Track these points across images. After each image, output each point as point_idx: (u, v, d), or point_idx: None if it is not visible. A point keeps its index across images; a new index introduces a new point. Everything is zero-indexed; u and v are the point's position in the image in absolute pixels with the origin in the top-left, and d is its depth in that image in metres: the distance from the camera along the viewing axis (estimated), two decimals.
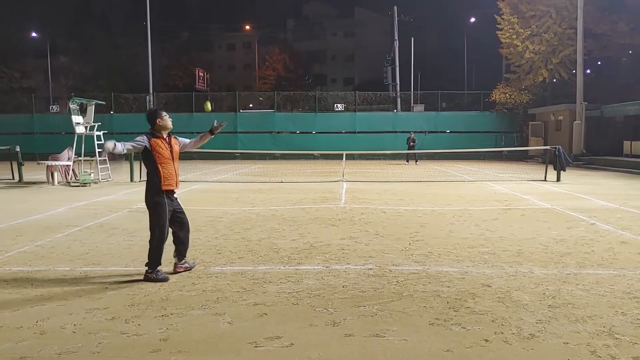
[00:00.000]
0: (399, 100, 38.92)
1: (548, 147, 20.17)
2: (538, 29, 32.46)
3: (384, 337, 4.37)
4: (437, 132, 35.94)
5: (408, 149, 27.93)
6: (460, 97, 41.29)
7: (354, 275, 6.22)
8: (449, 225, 9.69)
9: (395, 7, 40.27)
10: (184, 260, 6.42)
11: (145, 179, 6.24)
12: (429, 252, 7.46)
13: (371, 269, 6.53)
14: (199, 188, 16.55)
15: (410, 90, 42.74)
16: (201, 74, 49.53)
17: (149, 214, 6.18)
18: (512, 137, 35.66)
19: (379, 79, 46.01)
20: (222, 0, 76.22)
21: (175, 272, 6.31)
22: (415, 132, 31.07)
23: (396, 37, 40.26)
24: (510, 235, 8.69)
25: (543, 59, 32.90)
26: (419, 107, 37.71)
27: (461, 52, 55.88)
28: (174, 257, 6.39)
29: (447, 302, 5.24)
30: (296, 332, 4.51)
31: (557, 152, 18.52)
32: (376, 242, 8.17)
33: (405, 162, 27.85)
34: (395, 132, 35.67)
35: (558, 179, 18.10)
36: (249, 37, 69.36)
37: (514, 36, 33.38)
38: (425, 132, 35.56)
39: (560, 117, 31.76)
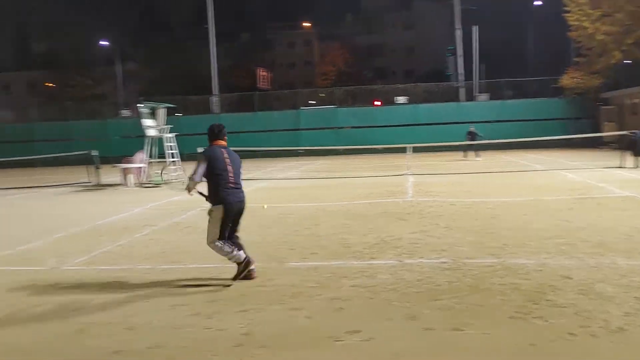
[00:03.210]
0: (462, 90, 38.15)
1: (625, 133, 19.28)
2: (609, 9, 30.98)
3: (464, 330, 4.33)
4: (503, 121, 34.96)
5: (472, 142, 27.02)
6: (526, 84, 40.00)
7: (428, 269, 6.18)
8: (522, 216, 9.45)
9: None
10: None
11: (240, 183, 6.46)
12: (503, 244, 7.30)
13: (445, 262, 6.47)
14: (265, 186, 16.82)
15: (474, 80, 41.82)
16: (263, 73, 50.21)
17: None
18: (583, 124, 34.26)
19: (440, 70, 45.33)
20: (281, 0, 76.94)
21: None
22: (474, 122, 30.01)
23: (457, 27, 39.44)
24: (588, 225, 8.38)
25: (615, 40, 31.35)
26: (483, 97, 36.81)
27: (526, 38, 54.11)
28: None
29: (527, 295, 5.13)
30: (375, 326, 4.53)
31: (634, 137, 17.68)
32: (447, 235, 8.08)
33: (462, 156, 26.93)
34: (460, 123, 34.94)
35: (637, 166, 17.28)
36: (309, 34, 69.69)
37: (583, 18, 31.97)
38: (491, 121, 34.68)
39: (636, 100, 30.26)
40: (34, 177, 24.43)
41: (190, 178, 6.10)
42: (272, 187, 16.34)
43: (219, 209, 6.04)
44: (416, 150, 27.92)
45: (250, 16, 71.99)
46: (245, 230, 9.02)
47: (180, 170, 19.13)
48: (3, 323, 4.98)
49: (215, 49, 39.14)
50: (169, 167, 18.41)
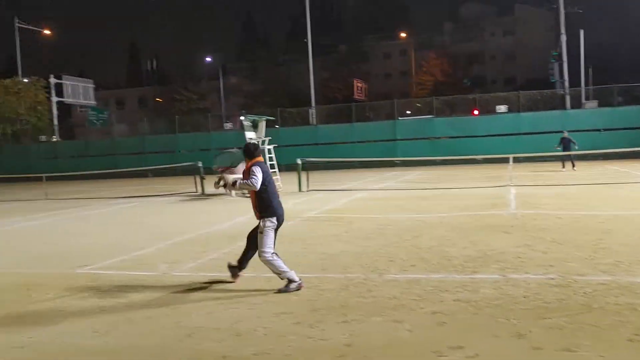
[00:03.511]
0: (568, 97, 36.35)
1: None
2: None
3: (577, 352, 4.13)
4: (613, 129, 32.91)
5: (562, 151, 25.16)
6: (639, 89, 37.46)
7: (534, 285, 5.94)
8: (638, 231, 8.85)
9: (561, 0, 37.76)
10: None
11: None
12: (618, 261, 6.88)
13: (553, 278, 6.19)
14: (363, 196, 16.86)
15: (581, 86, 39.72)
16: (359, 84, 50.52)
17: None
18: None
19: (544, 77, 43.39)
20: (377, 11, 77.09)
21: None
22: (581, 131, 28.05)
23: (562, 31, 37.69)
24: None
25: None
26: (592, 104, 34.84)
27: (638, 41, 50.74)
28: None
29: None
30: (479, 342, 4.42)
31: None
32: (554, 249, 7.72)
33: (561, 167, 25.17)
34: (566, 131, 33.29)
35: None
36: (405, 44, 69.29)
37: None
38: (600, 130, 32.79)
39: None
40: (145, 187, 25.95)
41: (246, 183, 6.29)
42: (369, 198, 16.34)
43: (273, 220, 6.31)
44: (518, 160, 26.98)
45: (347, 28, 72.87)
46: (345, 241, 9.14)
47: (279, 181, 19.61)
48: (119, 325, 5.33)
49: (312, 61, 39.86)
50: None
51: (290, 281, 6.20)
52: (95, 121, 44.01)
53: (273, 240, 6.32)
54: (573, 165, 24.34)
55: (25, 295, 6.70)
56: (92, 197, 21.73)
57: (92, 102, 45.47)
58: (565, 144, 24.31)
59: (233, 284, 6.61)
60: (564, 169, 24.45)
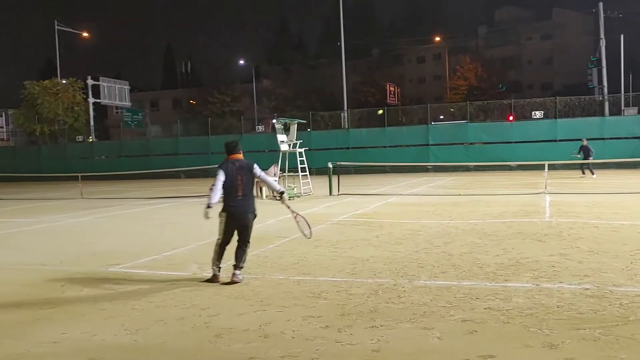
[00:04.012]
0: (606, 104, 35.55)
1: None
2: None
3: None
4: None
5: (584, 159, 24.84)
6: None
7: (568, 295, 5.80)
8: None
9: (601, 4, 37.00)
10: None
11: (251, 193, 7.05)
12: None
13: (588, 288, 6.03)
14: (394, 201, 16.76)
15: (620, 93, 38.82)
16: (392, 88, 50.36)
17: (252, 224, 7.03)
18: None
19: (582, 83, 42.58)
20: (411, 14, 76.78)
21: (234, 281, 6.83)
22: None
23: (602, 36, 36.93)
24: None
25: None
26: (632, 111, 34.02)
27: None
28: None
29: None
30: (510, 352, 4.33)
31: None
32: (590, 259, 7.53)
33: (589, 172, 24.75)
34: (604, 139, 32.57)
35: None
36: (439, 48, 68.71)
37: None
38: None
39: None
40: (178, 188, 26.30)
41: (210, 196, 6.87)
42: (401, 203, 16.23)
43: (224, 216, 6.91)
44: (554, 167, 26.47)
45: (380, 32, 72.69)
46: (375, 245, 9.08)
47: (309, 184, 19.62)
48: (149, 324, 5.38)
49: (345, 65, 39.85)
50: (300, 181, 18.95)
51: (213, 275, 6.93)
52: (130, 122, 44.85)
53: (224, 231, 6.94)
54: (592, 173, 24.08)
55: (59, 291, 6.84)
56: (126, 197, 22.11)
57: (128, 104, 46.36)
58: (585, 151, 24.12)
59: (259, 286, 6.63)
60: (584, 175, 24.15)
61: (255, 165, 6.99)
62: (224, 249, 7.02)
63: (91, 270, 8.01)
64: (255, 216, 7.02)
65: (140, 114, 48.24)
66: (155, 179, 34.27)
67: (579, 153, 24.51)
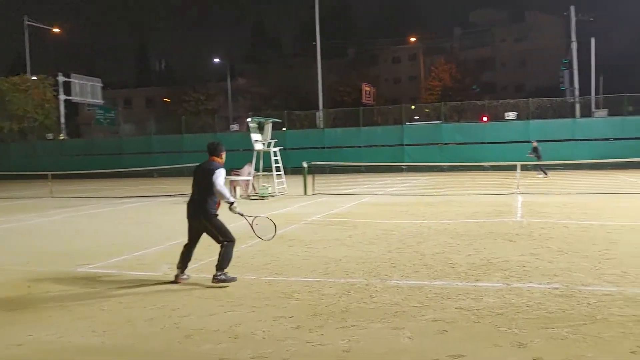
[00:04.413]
0: (578, 106, 36.16)
1: None
2: None
3: None
4: (623, 139, 32.69)
5: (537, 160, 25.72)
6: None
7: (538, 295, 5.87)
8: None
9: (572, 7, 37.61)
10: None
11: (204, 196, 6.83)
12: (624, 272, 6.78)
13: (557, 288, 6.11)
14: (368, 201, 16.79)
15: (591, 95, 39.50)
16: (367, 88, 50.48)
17: (216, 225, 6.84)
18: None
19: (554, 85, 43.25)
20: (387, 15, 77.09)
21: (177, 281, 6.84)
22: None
23: (573, 39, 37.56)
24: None
25: None
26: (602, 113, 34.60)
27: None
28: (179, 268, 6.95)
29: None
30: (480, 351, 4.36)
31: None
32: (560, 259, 7.63)
33: (543, 174, 25.59)
34: (575, 140, 33.15)
35: None
36: (414, 48, 69.16)
37: None
38: (610, 139, 32.59)
39: None
40: (150, 187, 26.01)
41: None
42: (375, 203, 16.27)
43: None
44: (527, 168, 26.80)
45: (356, 32, 72.88)
46: (348, 245, 9.08)
47: (284, 184, 19.56)
48: (118, 325, 5.29)
49: (321, 64, 39.85)
50: (274, 181, 18.88)
51: (175, 275, 6.96)
52: (102, 120, 44.19)
53: (187, 231, 7.02)
54: (545, 173, 24.99)
55: (25, 292, 6.69)
56: (97, 196, 21.78)
57: (100, 101, 45.65)
58: (537, 152, 25.06)
59: (230, 286, 6.58)
60: (546, 175, 24.88)
61: (217, 172, 6.73)
62: (187, 250, 6.99)
63: (59, 270, 7.85)
64: (207, 220, 6.79)
65: (112, 111, 47.56)
66: (128, 178, 33.86)
67: (532, 153, 25.46)
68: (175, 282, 6.85)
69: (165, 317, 5.46)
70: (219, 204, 6.93)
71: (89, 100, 45.04)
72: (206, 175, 6.77)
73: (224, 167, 7.06)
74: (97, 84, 45.60)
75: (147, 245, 9.66)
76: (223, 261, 6.73)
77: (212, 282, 6.66)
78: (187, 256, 6.97)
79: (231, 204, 6.80)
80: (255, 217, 7.35)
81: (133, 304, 6.01)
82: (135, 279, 7.14)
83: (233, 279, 6.70)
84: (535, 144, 26.10)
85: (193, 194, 6.97)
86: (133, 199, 19.66)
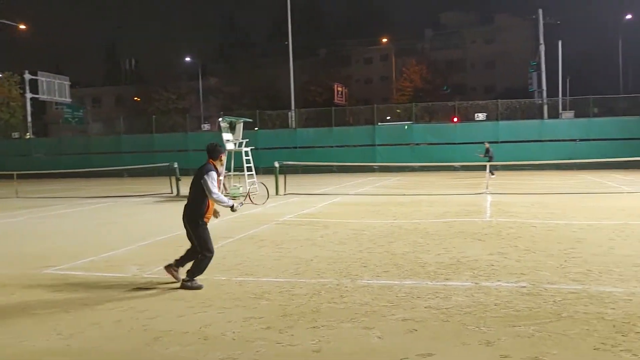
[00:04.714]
0: (545, 107, 36.84)
1: None
2: None
3: None
4: (589, 140, 33.43)
5: (489, 161, 26.34)
6: (615, 101, 38.13)
7: (506, 293, 5.95)
8: (609, 241, 8.94)
9: (540, 10, 38.29)
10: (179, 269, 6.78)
11: (192, 202, 6.61)
12: (588, 270, 6.93)
13: (524, 286, 6.20)
14: (340, 201, 16.83)
15: (558, 97, 40.28)
16: (339, 88, 50.59)
17: (197, 234, 6.57)
18: None
19: (522, 86, 43.97)
20: (359, 16, 77.40)
21: (166, 271, 6.75)
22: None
23: (541, 41, 38.23)
24: None
25: None
26: (568, 114, 35.34)
27: (615, 53, 51.70)
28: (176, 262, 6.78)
29: (614, 326, 4.83)
30: (448, 350, 4.40)
31: None
32: (527, 258, 7.75)
33: (491, 174, 26.30)
34: (542, 141, 33.78)
35: None
36: (386, 49, 69.58)
37: None
38: (576, 140, 33.30)
39: None
40: (120, 187, 25.64)
41: None
42: (346, 203, 16.31)
43: None
44: (496, 168, 27.18)
45: (328, 32, 72.99)
46: (319, 245, 9.08)
47: (255, 184, 19.45)
48: (84, 328, 5.20)
49: (293, 64, 39.80)
50: (245, 181, 18.78)
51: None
52: (70, 119, 43.40)
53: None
54: (492, 174, 25.57)
55: None
56: (65, 197, 21.38)
57: (68, 100, 44.80)
58: (489, 153, 25.73)
59: (203, 289, 6.50)
60: (493, 176, 25.47)
61: (206, 177, 6.48)
62: (187, 251, 6.79)
63: (24, 272, 7.68)
64: (191, 226, 6.60)
65: (81, 110, 46.75)
66: (97, 178, 33.32)
67: (484, 154, 26.22)
68: (166, 269, 6.77)
69: (132, 319, 5.39)
70: (209, 209, 6.61)
71: (57, 98, 44.16)
72: (196, 179, 6.57)
73: (218, 169, 6.78)
74: (65, 82, 44.74)
75: (116, 246, 9.51)
76: (195, 269, 6.56)
77: (179, 285, 6.57)
78: (187, 256, 6.75)
79: (231, 207, 6.62)
80: (255, 184, 7.23)
81: (100, 306, 5.91)
82: (102, 281, 7.03)
83: (199, 287, 6.50)
84: (487, 144, 26.81)
85: (187, 198, 6.75)
86: (102, 199, 19.35)
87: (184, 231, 6.81)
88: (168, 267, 6.77)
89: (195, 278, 6.55)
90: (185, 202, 6.77)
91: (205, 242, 6.57)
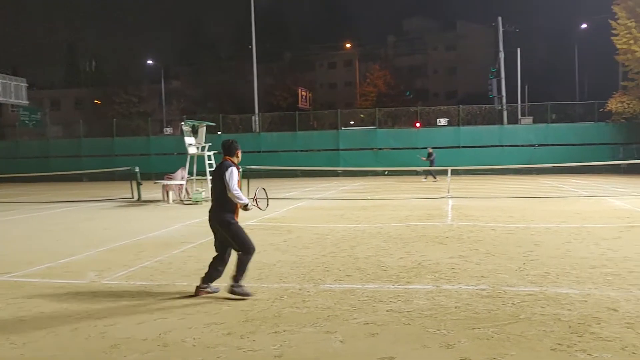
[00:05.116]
0: (505, 113, 37.63)
1: None
2: None
3: None
4: (546, 145, 34.30)
5: (429, 165, 27.30)
6: (571, 108, 39.20)
7: (466, 296, 6.03)
8: (566, 244, 9.17)
9: (500, 18, 39.10)
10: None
11: (219, 201, 6.31)
12: (546, 272, 7.08)
13: (484, 289, 6.30)
14: (304, 205, 16.82)
15: (518, 103, 41.21)
16: (303, 93, 50.67)
17: (232, 233, 6.22)
18: (632, 149, 33.23)
19: (483, 92, 44.75)
20: (323, 21, 77.73)
21: (199, 294, 6.27)
22: (517, 145, 29.74)
23: (501, 49, 39.04)
24: (636, 255, 8.07)
25: None
26: (527, 120, 36.22)
27: (571, 61, 53.20)
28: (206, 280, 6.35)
29: (570, 327, 4.94)
30: (410, 353, 4.43)
31: None
32: (487, 261, 7.88)
33: (432, 178, 27.09)
34: (502, 146, 34.49)
35: None
36: (350, 55, 70.03)
37: (632, 41, 31.27)
38: (535, 145, 34.12)
39: None
40: (79, 191, 25.09)
41: None
42: (310, 207, 16.32)
43: None
44: (457, 173, 27.63)
45: (292, 36, 72.97)
46: (283, 250, 9.05)
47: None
48: (39, 336, 5.06)
49: (257, 68, 39.67)
50: (208, 185, 18.61)
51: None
52: (27, 122, 42.20)
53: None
54: (434, 177, 26.42)
55: None
56: (21, 202, 20.80)
57: (25, 102, 43.51)
58: (431, 158, 26.59)
59: (160, 293, 6.40)
60: (435, 179, 26.14)
61: (228, 173, 6.19)
62: (215, 260, 6.37)
63: None
64: (224, 226, 6.24)
65: (39, 113, 45.49)
66: (56, 182, 32.54)
67: (427, 159, 27.30)
68: (197, 292, 6.26)
69: (90, 327, 5.26)
70: (237, 208, 6.32)
71: (12, 100, 42.70)
72: (217, 178, 6.29)
73: (240, 166, 6.53)
74: (22, 83, 43.40)
75: (74, 252, 9.28)
76: (239, 272, 6.18)
77: (227, 292, 6.16)
78: (215, 267, 6.32)
79: (245, 206, 6.29)
80: (257, 189, 6.97)
81: (56, 313, 5.75)
82: (59, 287, 6.85)
83: (248, 294, 6.14)
84: (430, 150, 27.73)
85: (211, 200, 6.51)
86: (60, 204, 18.89)
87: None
88: (199, 290, 6.29)
89: (241, 282, 6.19)
90: (210, 206, 6.48)
91: (244, 239, 6.27)
